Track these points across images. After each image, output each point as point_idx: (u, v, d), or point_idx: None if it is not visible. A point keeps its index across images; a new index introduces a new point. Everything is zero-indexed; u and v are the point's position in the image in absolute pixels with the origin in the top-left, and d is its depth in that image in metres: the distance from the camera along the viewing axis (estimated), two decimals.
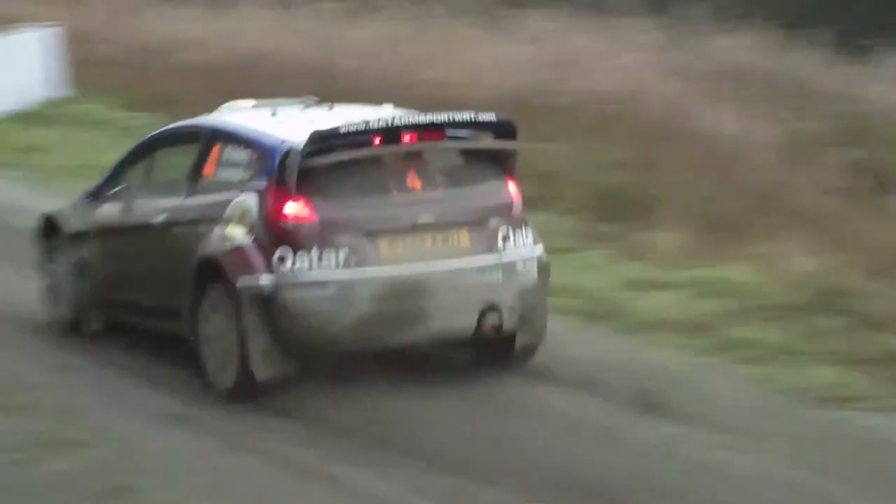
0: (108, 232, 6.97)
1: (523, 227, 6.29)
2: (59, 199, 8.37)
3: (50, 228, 7.37)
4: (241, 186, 6.15)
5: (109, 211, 7.00)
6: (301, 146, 5.82)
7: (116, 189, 7.01)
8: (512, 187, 6.34)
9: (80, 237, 7.13)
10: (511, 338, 6.22)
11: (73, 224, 7.20)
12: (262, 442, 5.49)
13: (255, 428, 5.65)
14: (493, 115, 6.37)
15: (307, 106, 6.83)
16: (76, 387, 6.32)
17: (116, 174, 7.15)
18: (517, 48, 13.96)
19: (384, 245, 5.98)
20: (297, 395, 5.97)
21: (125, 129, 13.79)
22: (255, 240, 5.96)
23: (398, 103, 6.95)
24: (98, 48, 16.04)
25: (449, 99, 10.18)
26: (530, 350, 6.37)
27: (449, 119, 6.18)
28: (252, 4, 16.99)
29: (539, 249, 6.36)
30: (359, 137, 5.98)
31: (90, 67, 15.63)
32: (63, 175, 11.63)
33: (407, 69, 13.67)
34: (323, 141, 5.88)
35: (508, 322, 6.06)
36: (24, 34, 15.69)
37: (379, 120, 6.13)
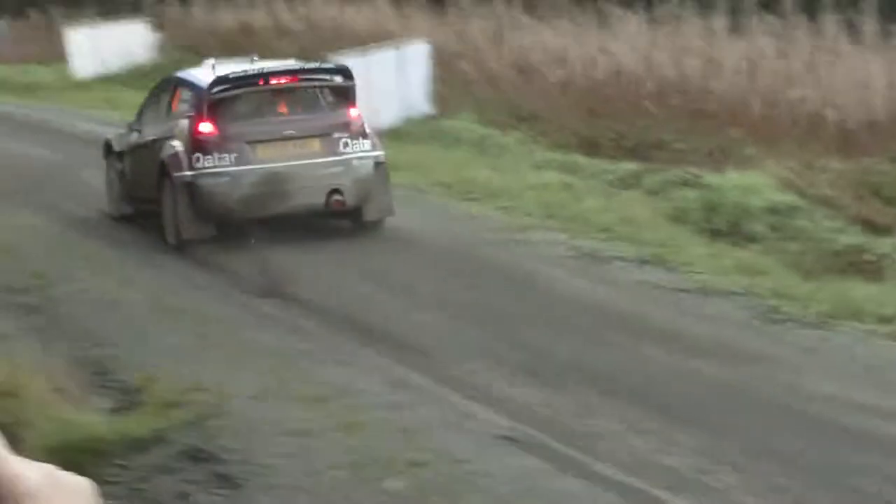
0: (131, 150, 14.62)
1: (361, 138, 13.40)
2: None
3: (108, 149, 15.27)
4: (184, 115, 13.55)
5: (132, 137, 14.62)
6: (213, 81, 13.37)
7: (138, 122, 14.87)
8: (353, 112, 13.49)
9: (120, 154, 14.83)
10: (358, 211, 13.50)
11: (117, 145, 15.00)
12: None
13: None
14: (334, 63, 15.04)
15: (245, 62, 14.35)
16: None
17: (139, 113, 14.99)
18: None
19: (260, 149, 13.29)
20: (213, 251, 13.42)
21: (494, 146, 18.18)
22: (185, 149, 13.16)
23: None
24: (461, 64, 20.27)
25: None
26: (377, 220, 13.69)
27: (302, 67, 14.49)
28: (622, 20, 20.30)
29: (377, 152, 13.68)
30: (246, 80, 13.55)
31: (455, 84, 19.90)
32: (436, 189, 16.35)
33: (780, 87, 16.49)
34: (222, 83, 13.27)
35: (349, 200, 13.19)
36: (393, 51, 20.26)
37: (256, 68, 13.81)
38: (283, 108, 13.68)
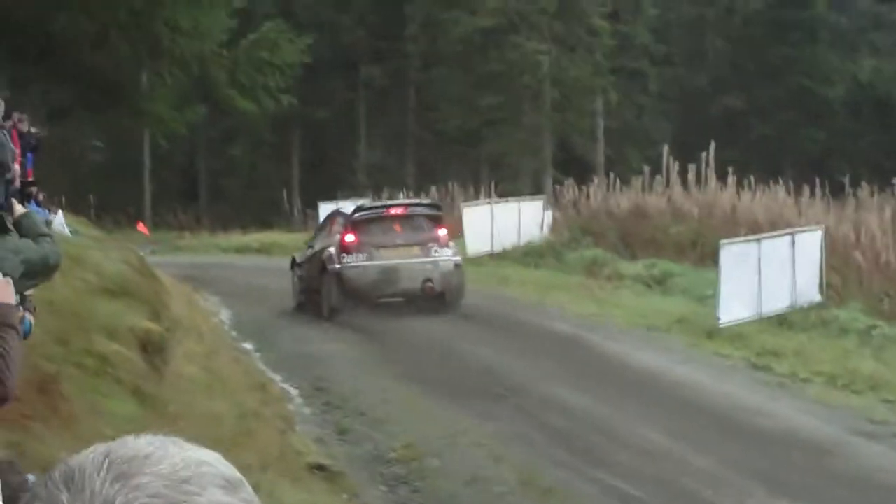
0: (307, 259, 26.03)
1: (445, 247, 24.51)
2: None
3: (293, 262, 27.16)
4: (337, 232, 24.93)
5: (308, 251, 26.34)
6: (353, 214, 25.26)
7: (312, 242, 27.15)
8: (441, 231, 24.71)
9: (300, 264, 26.49)
10: (443, 296, 24.24)
11: (299, 259, 26.79)
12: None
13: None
14: (430, 200, 31.85)
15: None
16: None
17: (313, 237, 27.58)
18: None
19: (381, 251, 24.30)
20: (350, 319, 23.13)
21: (881, 337, 19.41)
22: (336, 252, 24.33)
23: None
24: (855, 254, 21.94)
25: None
26: (454, 304, 24.29)
27: (409, 202, 28.18)
28: None
29: (456, 258, 24.83)
30: (375, 210, 26.16)
31: (847, 274, 21.57)
32: (817, 379, 17.47)
33: None
34: (359, 211, 25.47)
35: (437, 287, 24.08)
36: (787, 238, 22.22)
37: (381, 202, 29.58)
38: (397, 227, 25.04)
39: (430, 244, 24.34)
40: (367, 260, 23.89)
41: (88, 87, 13.19)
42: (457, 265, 24.47)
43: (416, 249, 24.26)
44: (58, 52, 12.32)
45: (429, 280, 23.77)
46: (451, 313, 23.66)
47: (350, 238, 24.06)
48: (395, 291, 24.06)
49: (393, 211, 25.80)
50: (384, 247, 24.11)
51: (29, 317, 7.32)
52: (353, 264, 23.80)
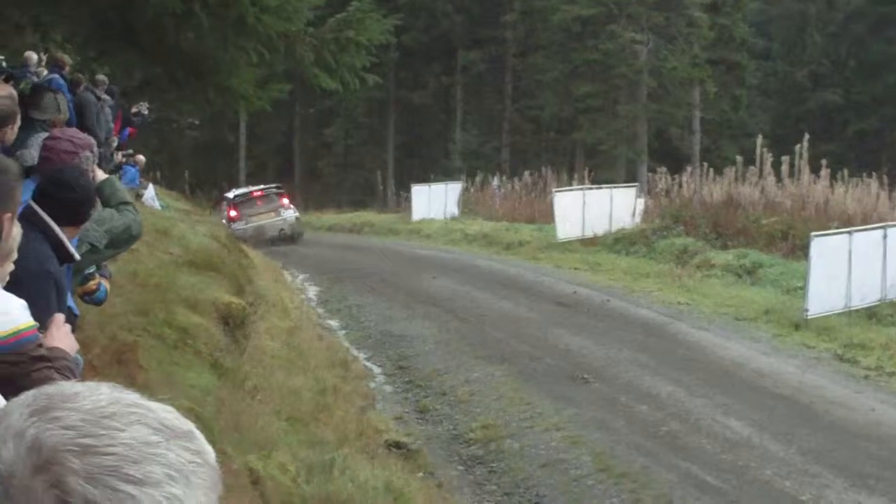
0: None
1: (291, 208, 41.93)
2: None
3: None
4: (225, 209, 43.22)
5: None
6: (233, 196, 42.70)
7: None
8: (284, 200, 42.21)
9: None
10: (292, 238, 40.15)
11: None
12: None
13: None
14: (278, 184, 47.47)
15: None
16: None
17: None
18: None
19: (252, 218, 40.29)
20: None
21: None
22: (227, 220, 38.61)
23: None
24: None
25: None
26: (298, 240, 40.30)
27: (266, 186, 44.58)
28: None
29: (296, 213, 42.44)
30: (244, 194, 43.20)
31: None
32: None
33: None
34: (237, 196, 43.01)
35: (289, 233, 40.34)
36: (879, 232, 21.76)
37: (246, 189, 45.65)
38: (259, 202, 41.19)
39: (279, 209, 40.95)
40: (245, 224, 39.20)
41: (173, 63, 13.13)
42: (297, 219, 41.83)
43: (272, 213, 40.56)
44: (142, 27, 12.27)
45: (282, 229, 39.51)
46: (539, 298, 23.50)
47: (233, 213, 40.46)
48: (265, 238, 37.33)
49: (255, 193, 42.53)
50: (253, 214, 39.84)
51: (105, 283, 7.25)
52: (237, 227, 37.54)
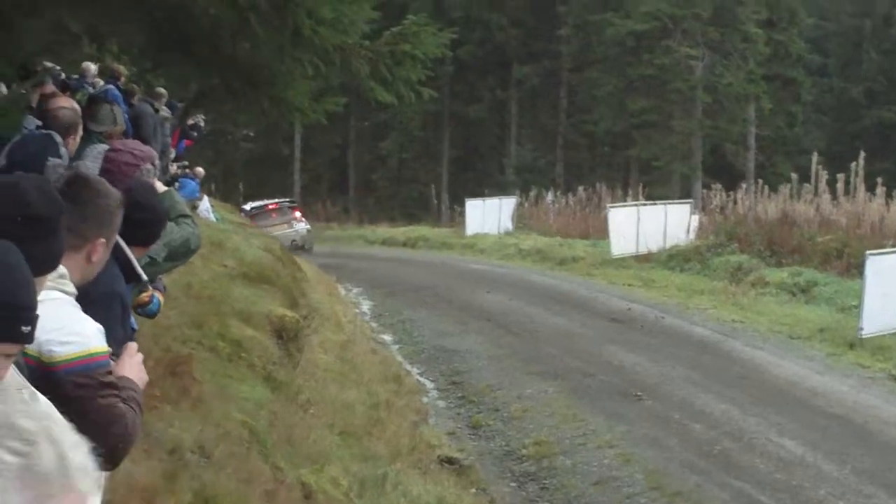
0: None
1: (303, 221, 44.95)
2: None
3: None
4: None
5: None
6: (250, 209, 44.56)
7: None
8: (297, 213, 45.48)
9: None
10: (303, 248, 40.24)
11: None
12: None
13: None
14: (292, 198, 54.82)
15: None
16: None
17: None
18: None
19: (266, 229, 32.44)
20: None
21: None
22: None
23: None
24: None
25: None
26: (309, 250, 41.06)
27: (280, 200, 47.41)
28: None
29: (307, 226, 45.05)
30: (259, 207, 45.05)
31: None
32: None
33: None
34: (254, 208, 44.81)
35: (301, 244, 40.63)
36: None
37: (262, 202, 46.86)
38: (273, 215, 43.11)
39: (292, 221, 43.57)
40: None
41: (228, 74, 13.18)
42: (308, 230, 44.14)
43: (285, 225, 42.42)
44: (197, 39, 12.32)
45: (294, 240, 40.06)
46: (592, 314, 23.42)
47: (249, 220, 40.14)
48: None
49: (270, 206, 45.00)
50: (268, 225, 38.56)
51: (158, 296, 7.24)
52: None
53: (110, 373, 3.94)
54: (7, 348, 3.03)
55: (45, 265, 3.78)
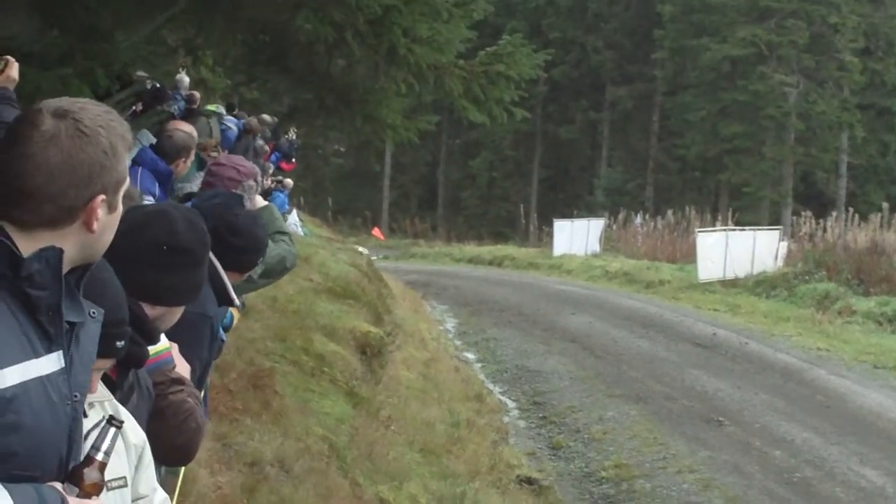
0: None
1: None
2: None
3: None
4: None
5: None
6: None
7: None
8: None
9: None
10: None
11: None
12: None
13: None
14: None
15: None
16: None
17: None
18: None
19: None
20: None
21: None
22: None
23: None
24: None
25: None
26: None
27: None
28: None
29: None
30: None
31: None
32: None
33: None
34: None
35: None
36: None
37: None
38: None
39: None
40: None
41: (322, 90, 13.26)
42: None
43: None
44: (293, 54, 12.42)
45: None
46: (677, 338, 23.23)
47: None
48: None
49: None
50: None
51: (233, 311, 7.26)
52: None
53: (174, 369, 3.96)
54: (103, 363, 3.04)
55: (181, 296, 3.88)
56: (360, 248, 29.15)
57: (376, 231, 53.90)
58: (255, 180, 6.66)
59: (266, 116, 19.25)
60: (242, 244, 5.44)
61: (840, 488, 13.62)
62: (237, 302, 5.49)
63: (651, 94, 68.67)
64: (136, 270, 3.26)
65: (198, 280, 3.92)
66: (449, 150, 73.59)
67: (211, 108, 16.21)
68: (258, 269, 6.27)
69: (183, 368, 4.06)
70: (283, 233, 6.75)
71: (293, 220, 24.21)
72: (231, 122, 16.35)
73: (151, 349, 3.77)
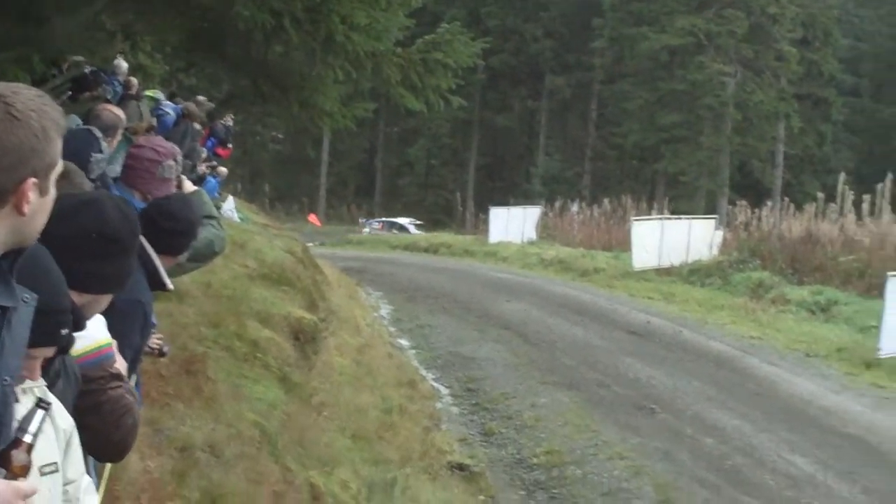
0: None
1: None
2: None
3: None
4: None
5: None
6: None
7: None
8: None
9: None
10: None
11: None
12: None
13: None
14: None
15: None
16: None
17: None
18: None
19: None
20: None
21: None
22: None
23: None
24: None
25: None
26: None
27: None
28: None
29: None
30: None
31: None
32: None
33: None
34: None
35: None
36: None
37: None
38: None
39: None
40: None
41: (260, 77, 13.30)
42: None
43: None
44: (231, 40, 12.45)
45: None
46: (611, 326, 23.46)
47: None
48: None
49: None
50: None
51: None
52: None
53: (115, 364, 3.96)
54: (45, 351, 3.11)
55: (109, 284, 3.89)
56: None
57: (313, 217, 53.79)
58: (175, 160, 6.69)
59: (201, 98, 19.21)
60: (174, 227, 5.50)
61: (770, 476, 13.82)
62: (170, 286, 5.53)
63: (589, 83, 69.01)
64: (65, 258, 3.28)
65: (127, 268, 3.94)
66: (386, 138, 73.63)
67: (149, 93, 16.20)
68: (186, 254, 6.33)
69: (122, 365, 4.07)
70: (213, 217, 6.80)
71: (229, 206, 24.13)
72: (169, 108, 16.32)
73: (93, 344, 3.81)
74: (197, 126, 18.38)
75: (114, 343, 4.01)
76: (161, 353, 6.43)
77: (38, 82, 11.31)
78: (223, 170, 25.20)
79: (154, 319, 6.32)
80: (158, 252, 5.32)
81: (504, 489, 13.45)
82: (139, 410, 4.10)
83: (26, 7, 10.21)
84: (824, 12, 63.33)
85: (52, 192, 2.82)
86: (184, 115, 16.75)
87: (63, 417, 3.30)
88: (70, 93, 12.77)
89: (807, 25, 62.12)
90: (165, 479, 7.53)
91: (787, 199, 37.56)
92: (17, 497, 2.77)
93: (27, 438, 2.87)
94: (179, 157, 6.90)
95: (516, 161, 71.38)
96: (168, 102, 16.38)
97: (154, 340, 6.19)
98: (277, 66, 13.00)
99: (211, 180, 23.05)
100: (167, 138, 15.47)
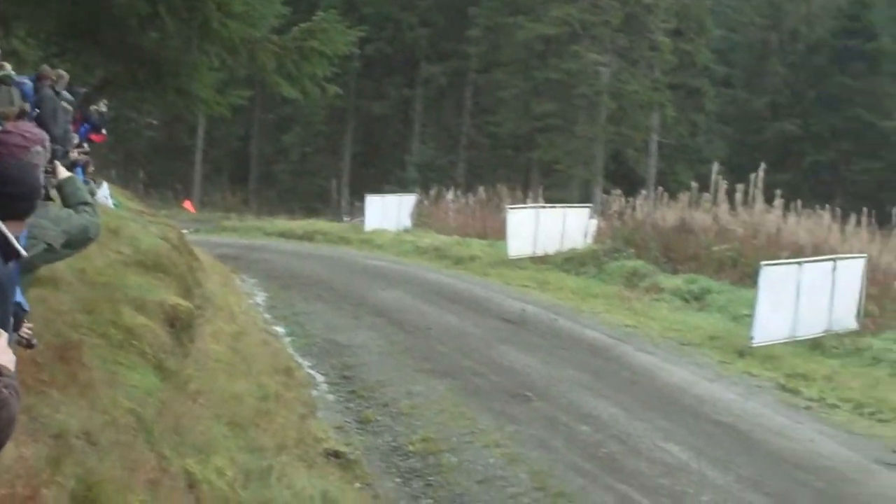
0: None
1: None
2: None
3: None
4: None
5: None
6: None
7: None
8: None
9: None
10: None
11: None
12: None
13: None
14: None
15: None
16: None
17: None
18: None
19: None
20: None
21: None
22: None
23: None
24: (894, 285, 21.81)
25: None
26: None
27: None
28: None
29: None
30: None
31: (886, 303, 21.43)
32: (844, 405, 17.53)
33: None
34: None
35: None
36: (829, 264, 22.10)
37: None
38: None
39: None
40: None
41: (134, 63, 13.24)
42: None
43: None
44: (106, 27, 12.38)
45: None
46: (486, 313, 23.67)
47: None
48: None
49: None
50: None
51: None
52: None
53: None
54: None
55: None
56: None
57: (187, 204, 53.42)
58: (44, 146, 6.64)
59: (60, 71, 19.01)
60: (13, 191, 5.42)
61: (644, 463, 14.06)
62: (23, 252, 5.46)
63: (465, 72, 69.17)
64: None
65: None
66: (261, 125, 73.17)
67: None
68: (60, 240, 6.28)
69: (7, 360, 4.00)
70: (87, 203, 6.77)
71: (103, 192, 23.91)
72: (24, 78, 16.15)
73: None
74: (64, 103, 18.19)
75: (2, 336, 3.97)
76: (29, 345, 6.34)
77: None
78: (85, 158, 24.93)
79: (26, 306, 6.28)
80: (4, 219, 5.26)
81: (380, 477, 13.52)
82: (18, 404, 3.97)
83: None
84: (698, 3, 64.16)
85: None
86: (39, 78, 16.56)
87: None
88: None
89: (681, 16, 62.89)
90: (40, 466, 7.48)
91: (661, 188, 38.12)
92: None
93: None
94: (48, 143, 6.84)
95: (391, 149, 71.36)
96: (22, 76, 16.20)
97: (24, 330, 6.15)
98: (152, 52, 12.97)
99: (78, 169, 22.86)
100: (40, 117, 15.35)
